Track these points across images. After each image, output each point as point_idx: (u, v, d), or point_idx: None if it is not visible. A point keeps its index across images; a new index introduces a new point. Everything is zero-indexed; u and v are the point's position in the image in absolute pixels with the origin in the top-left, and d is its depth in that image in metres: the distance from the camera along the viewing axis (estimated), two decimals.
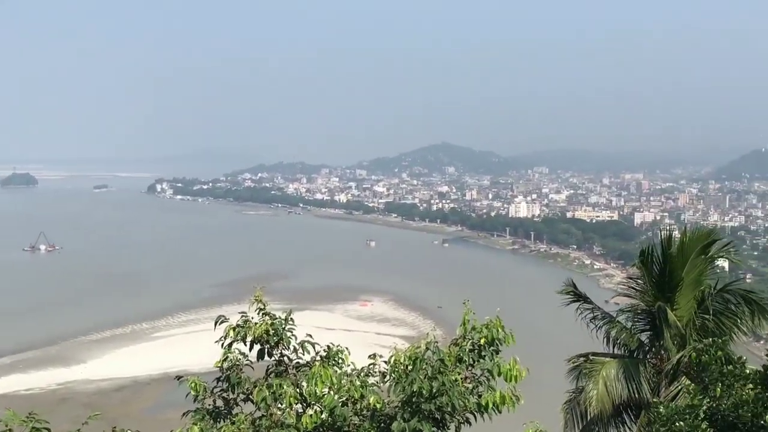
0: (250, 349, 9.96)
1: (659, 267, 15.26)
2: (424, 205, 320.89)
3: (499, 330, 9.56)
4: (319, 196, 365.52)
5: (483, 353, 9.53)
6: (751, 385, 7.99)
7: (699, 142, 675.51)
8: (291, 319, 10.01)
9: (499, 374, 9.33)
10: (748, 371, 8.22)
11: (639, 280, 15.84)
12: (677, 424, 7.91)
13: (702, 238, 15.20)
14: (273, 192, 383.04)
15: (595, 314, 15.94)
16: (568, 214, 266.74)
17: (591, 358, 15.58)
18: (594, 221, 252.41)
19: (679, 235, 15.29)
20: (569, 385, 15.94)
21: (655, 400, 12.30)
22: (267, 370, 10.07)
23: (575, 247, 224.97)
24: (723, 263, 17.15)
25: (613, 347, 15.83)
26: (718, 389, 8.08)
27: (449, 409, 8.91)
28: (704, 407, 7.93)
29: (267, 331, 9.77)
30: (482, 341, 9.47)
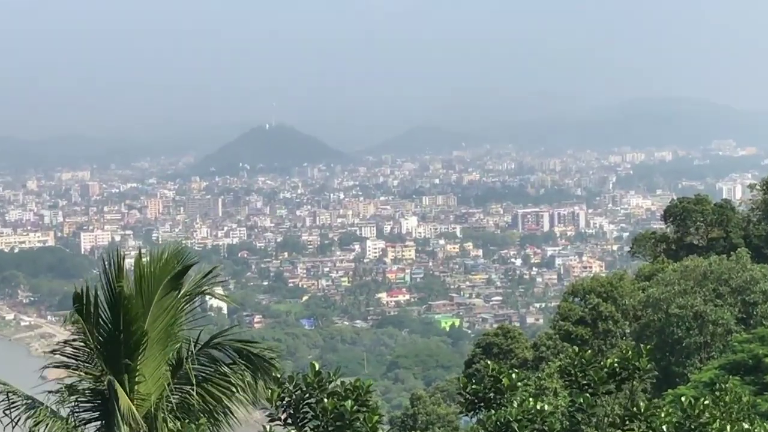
0: None
1: (109, 319, 10.68)
2: None
3: None
4: None
5: None
6: None
7: (178, 119, 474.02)
8: None
9: None
10: None
11: (81, 342, 10.93)
12: None
13: (168, 267, 11.00)
14: None
15: (12, 401, 10.75)
16: None
17: None
18: (17, 250, 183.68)
19: (133, 266, 10.84)
20: None
21: None
22: None
23: None
24: (219, 302, 12.80)
25: None
26: None
27: None
28: None
29: None
30: None
